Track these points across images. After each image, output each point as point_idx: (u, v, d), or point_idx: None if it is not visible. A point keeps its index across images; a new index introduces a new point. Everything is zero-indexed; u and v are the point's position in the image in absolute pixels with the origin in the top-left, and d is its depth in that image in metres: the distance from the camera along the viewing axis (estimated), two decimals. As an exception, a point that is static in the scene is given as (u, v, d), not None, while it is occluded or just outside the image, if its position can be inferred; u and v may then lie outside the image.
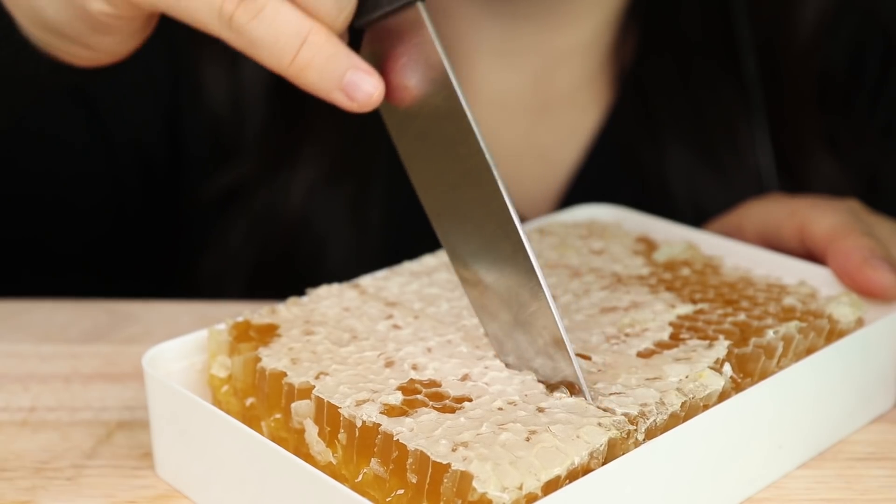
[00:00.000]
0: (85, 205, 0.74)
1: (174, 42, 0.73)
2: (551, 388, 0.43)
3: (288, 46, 0.42)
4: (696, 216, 0.69)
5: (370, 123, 0.73)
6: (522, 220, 0.43)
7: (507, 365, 0.45)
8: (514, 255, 0.43)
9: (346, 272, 0.55)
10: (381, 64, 0.45)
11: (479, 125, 0.43)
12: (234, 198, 0.75)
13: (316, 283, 0.52)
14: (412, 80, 0.44)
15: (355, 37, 0.46)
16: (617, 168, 0.76)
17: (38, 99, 0.60)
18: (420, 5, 0.43)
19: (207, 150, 0.75)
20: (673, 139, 0.75)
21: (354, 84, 0.43)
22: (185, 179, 0.76)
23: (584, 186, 0.75)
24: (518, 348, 0.45)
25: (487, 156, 0.43)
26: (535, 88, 0.77)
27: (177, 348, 0.48)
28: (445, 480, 0.38)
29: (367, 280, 0.53)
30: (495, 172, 0.43)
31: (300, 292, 0.51)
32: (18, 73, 0.54)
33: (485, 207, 0.43)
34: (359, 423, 0.41)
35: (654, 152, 0.75)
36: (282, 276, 0.74)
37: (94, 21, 0.48)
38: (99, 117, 0.71)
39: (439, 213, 0.45)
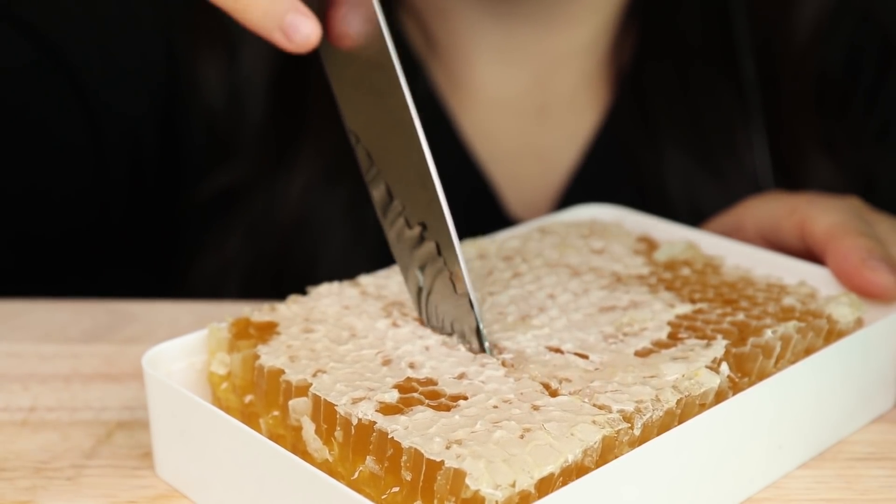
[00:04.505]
0: (64, 194, 0.73)
1: (169, 36, 0.73)
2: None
3: None
4: (694, 218, 0.69)
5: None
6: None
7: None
8: (430, 205, 0.45)
9: (342, 272, 0.55)
10: (324, 10, 0.46)
11: (410, 92, 0.44)
12: (230, 198, 0.75)
13: (313, 283, 0.52)
14: (350, 29, 0.46)
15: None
16: (615, 169, 0.76)
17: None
18: None
19: (204, 149, 0.75)
20: (671, 141, 0.75)
21: (294, 26, 0.45)
22: (180, 179, 0.76)
23: (583, 187, 0.75)
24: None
25: (412, 110, 0.44)
26: (534, 90, 0.77)
27: (177, 348, 0.48)
28: (439, 478, 0.38)
29: (367, 278, 0.53)
30: (417, 125, 0.44)
31: (297, 292, 0.51)
32: None
33: (406, 159, 0.45)
34: (354, 421, 0.41)
35: (652, 154, 0.75)
36: (279, 277, 0.74)
37: None
38: (89, 105, 0.71)
39: (369, 159, 0.47)
